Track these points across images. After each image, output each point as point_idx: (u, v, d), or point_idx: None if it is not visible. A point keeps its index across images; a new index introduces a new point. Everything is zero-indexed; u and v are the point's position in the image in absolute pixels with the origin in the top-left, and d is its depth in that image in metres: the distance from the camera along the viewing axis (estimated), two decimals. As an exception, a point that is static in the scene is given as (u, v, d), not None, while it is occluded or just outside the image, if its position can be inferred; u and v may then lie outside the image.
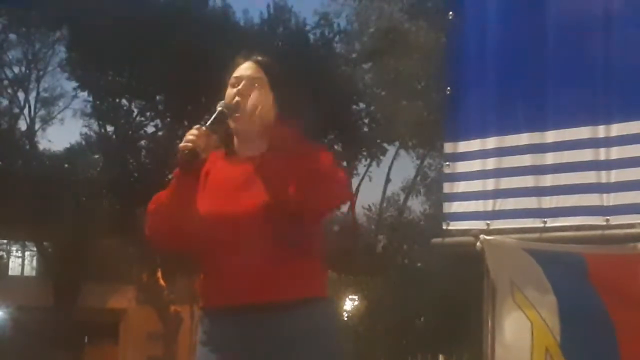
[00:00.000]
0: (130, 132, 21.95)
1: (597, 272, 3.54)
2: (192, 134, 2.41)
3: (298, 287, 2.37)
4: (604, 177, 3.64)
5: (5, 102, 22.24)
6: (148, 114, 22.24)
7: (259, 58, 2.56)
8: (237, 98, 2.50)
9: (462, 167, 4.12)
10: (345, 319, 21.47)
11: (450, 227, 4.16)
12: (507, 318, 3.82)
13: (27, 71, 22.86)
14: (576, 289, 3.61)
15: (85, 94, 21.89)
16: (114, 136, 22.01)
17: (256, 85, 2.51)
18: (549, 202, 3.78)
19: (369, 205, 24.64)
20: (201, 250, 2.47)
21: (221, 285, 2.42)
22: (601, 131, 3.66)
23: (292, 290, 2.36)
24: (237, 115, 2.48)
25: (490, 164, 4.01)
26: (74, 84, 22.00)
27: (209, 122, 2.46)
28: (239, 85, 2.52)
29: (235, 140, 2.56)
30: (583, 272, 3.56)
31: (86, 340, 24.20)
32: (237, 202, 2.41)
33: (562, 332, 3.64)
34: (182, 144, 2.42)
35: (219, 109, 2.49)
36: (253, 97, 2.49)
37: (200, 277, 2.54)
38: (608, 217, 3.60)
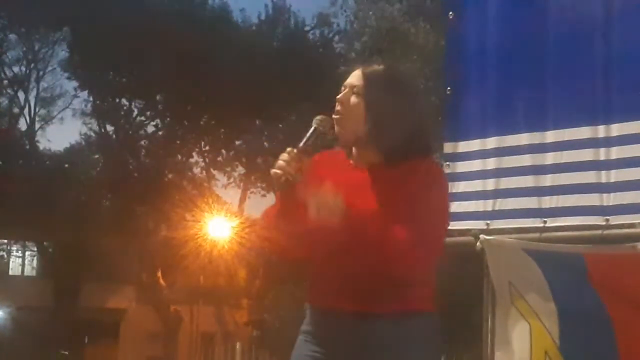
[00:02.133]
0: (130, 132, 21.97)
1: (597, 272, 3.54)
2: (283, 159, 2.39)
3: (396, 299, 2.37)
4: (603, 177, 3.64)
5: (5, 102, 22.27)
6: (148, 113, 22.27)
7: (368, 67, 2.52)
8: (337, 107, 2.47)
9: (462, 167, 4.12)
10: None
11: (450, 227, 4.15)
12: (506, 321, 3.83)
13: (27, 71, 22.90)
14: (575, 289, 3.60)
15: (85, 93, 21.96)
16: (114, 136, 22.03)
17: (355, 93, 2.47)
18: (548, 202, 3.78)
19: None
20: (314, 254, 2.49)
21: (327, 289, 2.46)
22: (601, 131, 3.66)
23: (389, 302, 2.37)
24: (332, 128, 2.47)
25: (490, 164, 4.01)
26: (74, 83, 22.07)
27: (302, 142, 2.44)
28: (341, 93, 2.50)
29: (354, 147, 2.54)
30: (582, 272, 3.56)
31: (86, 340, 24.19)
32: (348, 210, 2.38)
33: (561, 334, 3.64)
34: (273, 170, 2.39)
35: (313, 127, 2.47)
36: (347, 106, 2.46)
37: (310, 276, 2.56)
38: (608, 217, 3.59)
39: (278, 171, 2.37)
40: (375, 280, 2.34)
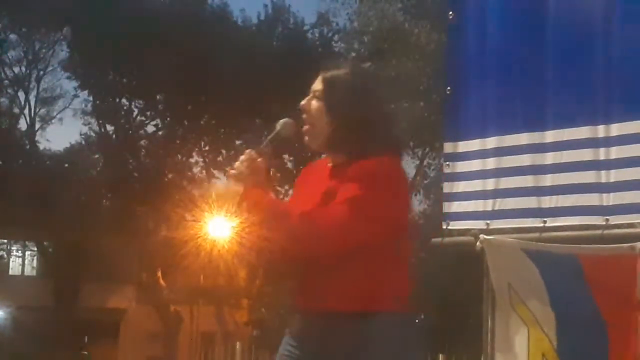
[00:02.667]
0: (130, 132, 21.97)
1: (592, 273, 3.54)
2: (240, 160, 2.43)
3: (356, 300, 2.38)
4: (603, 176, 3.64)
5: (5, 102, 22.27)
6: (148, 113, 22.26)
7: (328, 72, 2.54)
8: (303, 114, 2.52)
9: (462, 167, 4.12)
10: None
11: (450, 227, 4.16)
12: (505, 324, 3.83)
13: (27, 71, 22.90)
14: (571, 291, 3.61)
15: (86, 93, 21.95)
16: (114, 136, 22.03)
17: (316, 99, 2.51)
18: (548, 201, 3.78)
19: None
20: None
21: (295, 288, 2.51)
22: (601, 131, 3.66)
23: (350, 302, 2.38)
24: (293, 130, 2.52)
25: (490, 163, 4.01)
26: (74, 83, 22.06)
27: (263, 143, 2.48)
28: (304, 99, 2.55)
29: None
30: (579, 273, 3.56)
31: (86, 340, 24.20)
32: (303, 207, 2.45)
33: (558, 337, 3.64)
34: (229, 171, 2.45)
35: (277, 128, 2.50)
36: (310, 110, 2.51)
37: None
38: (608, 217, 3.60)
39: (232, 171, 2.43)
40: (335, 279, 2.36)
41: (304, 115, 2.52)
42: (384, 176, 2.38)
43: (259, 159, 2.42)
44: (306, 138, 2.51)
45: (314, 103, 2.51)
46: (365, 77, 2.58)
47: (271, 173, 2.58)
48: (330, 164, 2.54)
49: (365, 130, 2.44)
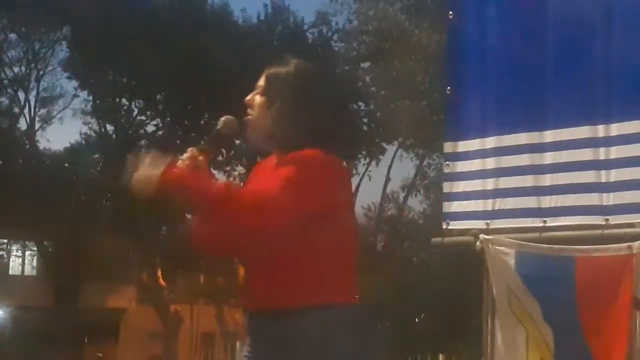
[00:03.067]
0: (130, 132, 21.96)
1: (583, 274, 3.53)
2: (181, 157, 2.44)
3: (293, 296, 2.39)
4: (603, 176, 3.64)
5: (5, 102, 22.26)
6: (148, 113, 22.24)
7: (271, 69, 2.59)
8: (248, 110, 2.56)
9: (462, 166, 4.12)
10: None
11: (450, 227, 4.17)
12: (503, 326, 3.83)
13: (27, 71, 22.85)
14: (557, 292, 3.60)
15: (86, 93, 21.91)
16: (114, 136, 22.00)
17: (259, 93, 2.56)
18: (548, 201, 3.79)
19: (369, 205, 24.67)
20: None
21: (243, 291, 2.59)
22: (600, 131, 3.66)
23: (286, 298, 2.39)
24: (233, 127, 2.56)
25: (490, 163, 4.01)
26: (74, 83, 22.01)
27: (205, 141, 2.52)
28: (249, 95, 2.59)
29: None
30: (570, 276, 3.55)
31: (86, 340, 24.19)
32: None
33: (555, 340, 3.64)
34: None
35: (218, 126, 2.55)
36: (253, 106, 2.56)
37: None
38: (607, 217, 3.60)
39: (175, 170, 2.43)
40: (271, 277, 2.39)
41: (248, 110, 2.57)
42: (308, 163, 2.40)
43: (200, 157, 2.44)
44: (248, 133, 2.55)
45: (257, 98, 2.56)
46: (308, 74, 2.60)
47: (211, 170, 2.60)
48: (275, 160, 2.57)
49: (301, 125, 2.48)
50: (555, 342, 3.63)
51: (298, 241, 2.36)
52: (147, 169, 2.36)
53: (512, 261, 3.76)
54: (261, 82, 2.58)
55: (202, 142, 2.51)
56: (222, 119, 2.56)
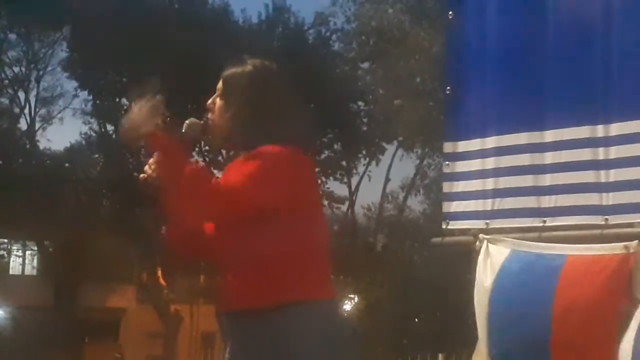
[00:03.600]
0: (130, 132, 21.96)
1: (568, 274, 3.52)
2: (148, 163, 2.51)
3: (268, 294, 2.39)
4: (602, 176, 3.64)
5: (5, 102, 22.27)
6: (148, 113, 22.24)
7: (228, 70, 2.61)
8: (209, 114, 2.59)
9: (462, 166, 4.12)
10: (345, 318, 21.49)
11: (449, 227, 4.17)
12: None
13: (27, 71, 22.89)
14: (536, 292, 3.59)
15: (86, 93, 21.94)
16: (114, 135, 22.01)
17: (218, 96, 2.59)
18: (548, 201, 3.79)
19: (369, 205, 24.69)
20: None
21: (216, 294, 2.58)
22: (600, 130, 3.66)
23: (261, 297, 2.39)
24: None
25: (490, 163, 4.01)
26: (74, 83, 22.05)
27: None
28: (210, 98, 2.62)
29: None
30: (557, 270, 3.54)
31: (86, 340, 24.21)
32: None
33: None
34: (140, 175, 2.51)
35: (183, 129, 2.56)
36: (213, 108, 2.58)
37: None
38: (607, 216, 3.60)
39: (142, 175, 2.51)
40: (242, 277, 2.39)
41: (209, 114, 2.59)
42: (267, 157, 2.42)
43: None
44: (209, 135, 2.58)
45: (217, 101, 2.58)
46: (264, 73, 2.60)
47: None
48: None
49: (257, 125, 2.49)
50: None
51: (263, 237, 2.37)
52: (141, 119, 2.41)
53: (503, 259, 3.76)
54: (219, 84, 2.60)
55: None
56: (187, 121, 2.57)
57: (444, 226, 4.17)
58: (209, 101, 2.60)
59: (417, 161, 23.68)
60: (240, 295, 2.41)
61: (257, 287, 2.39)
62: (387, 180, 24.09)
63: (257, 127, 2.49)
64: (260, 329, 2.38)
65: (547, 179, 3.81)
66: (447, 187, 4.20)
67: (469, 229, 4.03)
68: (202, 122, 2.59)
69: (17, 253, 26.68)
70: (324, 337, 2.40)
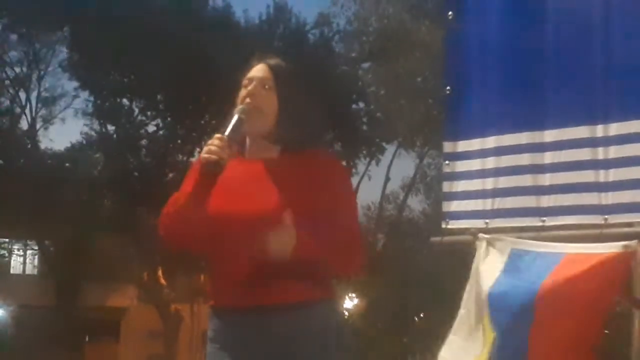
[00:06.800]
0: (131, 132, 21.96)
1: (560, 271, 3.53)
2: (214, 145, 2.37)
3: (300, 290, 2.40)
4: (602, 176, 3.65)
5: (6, 102, 22.27)
6: (149, 113, 22.25)
7: (271, 61, 2.57)
8: (247, 99, 2.51)
9: (461, 166, 4.14)
10: (345, 317, 21.49)
11: (449, 226, 4.18)
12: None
13: (28, 71, 22.88)
14: (531, 290, 3.60)
15: (87, 93, 21.93)
16: (114, 135, 22.01)
17: (266, 87, 2.52)
18: (547, 201, 3.80)
19: (369, 204, 24.66)
20: (212, 250, 2.51)
21: (230, 286, 2.48)
22: (599, 130, 3.67)
23: (295, 292, 2.39)
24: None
25: (489, 163, 4.02)
26: (75, 83, 22.04)
27: (228, 130, 2.43)
28: (250, 86, 2.54)
29: (247, 141, 2.57)
30: (550, 270, 3.55)
31: (87, 339, 24.22)
32: (248, 203, 2.42)
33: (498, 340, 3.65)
34: (205, 155, 2.38)
35: (236, 116, 2.47)
36: (260, 99, 2.51)
37: (209, 276, 2.60)
38: (606, 216, 3.61)
39: (212, 156, 2.37)
40: (278, 271, 2.36)
41: (249, 100, 2.50)
42: (347, 172, 2.51)
43: (231, 145, 2.42)
44: (248, 121, 2.47)
45: (264, 92, 2.52)
46: (302, 71, 2.66)
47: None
48: (247, 154, 2.54)
49: (308, 122, 2.51)
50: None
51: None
52: (280, 238, 2.31)
53: (503, 259, 3.77)
54: (263, 74, 2.53)
55: (228, 132, 2.42)
56: (239, 107, 2.50)
57: (443, 225, 4.18)
58: (251, 88, 2.52)
59: (417, 160, 23.68)
60: (287, 288, 2.39)
61: (309, 281, 2.41)
62: (387, 179, 24.09)
63: (304, 123, 2.50)
64: (298, 323, 2.39)
65: (547, 179, 3.82)
66: (447, 186, 4.21)
67: (469, 229, 4.04)
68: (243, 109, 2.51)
69: (18, 252, 26.69)
70: (336, 334, 2.50)
